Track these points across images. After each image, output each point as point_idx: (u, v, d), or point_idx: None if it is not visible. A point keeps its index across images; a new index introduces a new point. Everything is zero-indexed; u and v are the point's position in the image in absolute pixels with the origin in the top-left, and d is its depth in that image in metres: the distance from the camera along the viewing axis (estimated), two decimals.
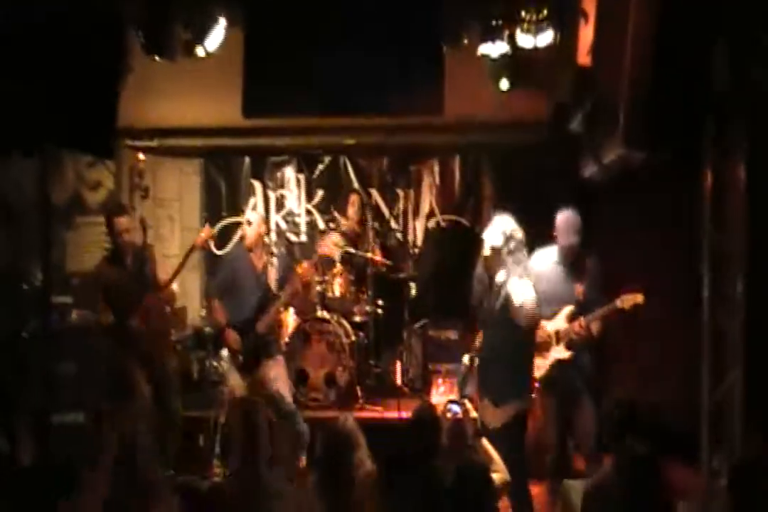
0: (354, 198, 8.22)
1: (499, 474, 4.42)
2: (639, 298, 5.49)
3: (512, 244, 5.02)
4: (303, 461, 6.22)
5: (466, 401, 4.69)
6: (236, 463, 4.09)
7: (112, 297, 6.26)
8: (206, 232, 6.82)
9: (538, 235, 5.86)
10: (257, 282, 6.44)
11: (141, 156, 8.06)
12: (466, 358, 5.42)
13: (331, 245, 7.67)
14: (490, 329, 5.23)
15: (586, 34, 5.68)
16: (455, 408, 4.54)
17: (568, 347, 5.69)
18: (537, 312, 5.10)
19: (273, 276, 6.54)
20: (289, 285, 6.37)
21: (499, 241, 5.02)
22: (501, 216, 5.14)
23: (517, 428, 5.08)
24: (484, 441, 4.55)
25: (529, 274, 5.06)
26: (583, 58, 5.77)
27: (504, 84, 6.65)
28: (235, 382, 6.47)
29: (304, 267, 6.45)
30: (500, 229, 5.05)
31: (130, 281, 6.25)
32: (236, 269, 6.49)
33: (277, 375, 6.38)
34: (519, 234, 5.06)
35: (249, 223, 6.49)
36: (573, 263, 5.77)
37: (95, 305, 7.80)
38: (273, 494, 3.95)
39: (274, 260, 6.58)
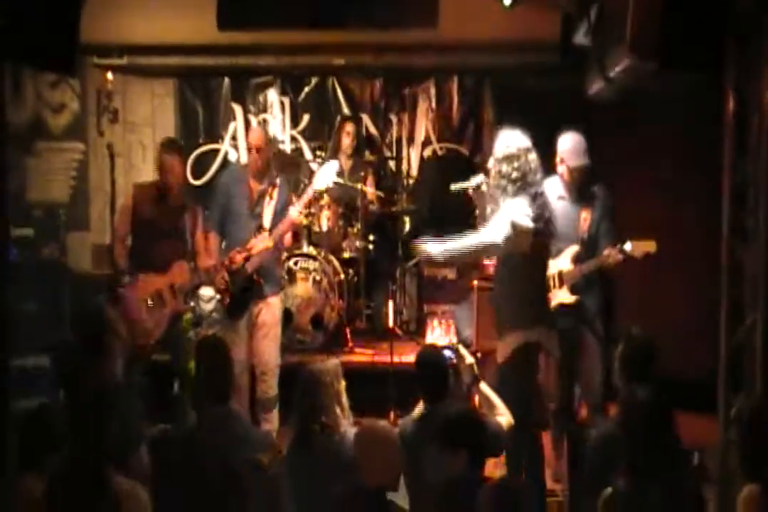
0: (350, 127, 7.97)
1: (505, 418, 4.39)
2: (651, 247, 5.42)
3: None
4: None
5: (461, 346, 4.69)
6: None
7: (139, 237, 5.98)
8: (263, 241, 6.03)
9: (543, 165, 5.75)
10: (251, 214, 6.11)
11: (109, 75, 7.89)
12: None
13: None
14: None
15: None
16: (448, 353, 4.56)
17: (573, 290, 5.61)
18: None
19: (270, 209, 6.12)
20: (281, 227, 6.04)
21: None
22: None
23: (521, 364, 4.95)
24: (483, 386, 4.50)
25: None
26: None
27: None
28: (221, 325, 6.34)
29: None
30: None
31: (167, 225, 5.96)
32: (232, 196, 6.16)
33: (268, 327, 6.10)
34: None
35: (252, 149, 6.16)
36: (579, 193, 5.65)
37: (60, 238, 7.76)
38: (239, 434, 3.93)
39: (275, 193, 6.13)
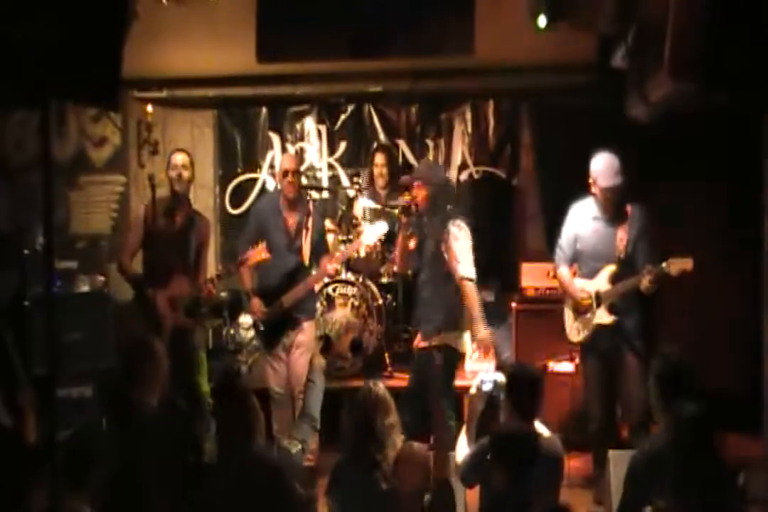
0: (379, 158, 7.94)
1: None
2: (688, 265, 5.36)
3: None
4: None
5: (497, 377, 4.73)
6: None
7: (148, 248, 6.12)
8: (258, 253, 6.05)
9: (580, 186, 5.75)
10: (288, 248, 6.19)
11: (149, 108, 7.99)
12: None
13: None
14: None
15: None
16: (489, 385, 4.63)
17: (611, 311, 5.57)
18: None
19: (308, 244, 6.22)
20: (316, 276, 6.26)
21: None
22: None
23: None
24: None
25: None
26: None
27: (542, 20, 6.47)
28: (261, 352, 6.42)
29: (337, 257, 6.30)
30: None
31: (173, 236, 6.08)
32: (268, 229, 6.22)
33: (304, 347, 6.21)
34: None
35: (287, 173, 6.16)
36: (614, 213, 5.64)
37: (103, 269, 7.85)
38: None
39: (310, 222, 6.21)
